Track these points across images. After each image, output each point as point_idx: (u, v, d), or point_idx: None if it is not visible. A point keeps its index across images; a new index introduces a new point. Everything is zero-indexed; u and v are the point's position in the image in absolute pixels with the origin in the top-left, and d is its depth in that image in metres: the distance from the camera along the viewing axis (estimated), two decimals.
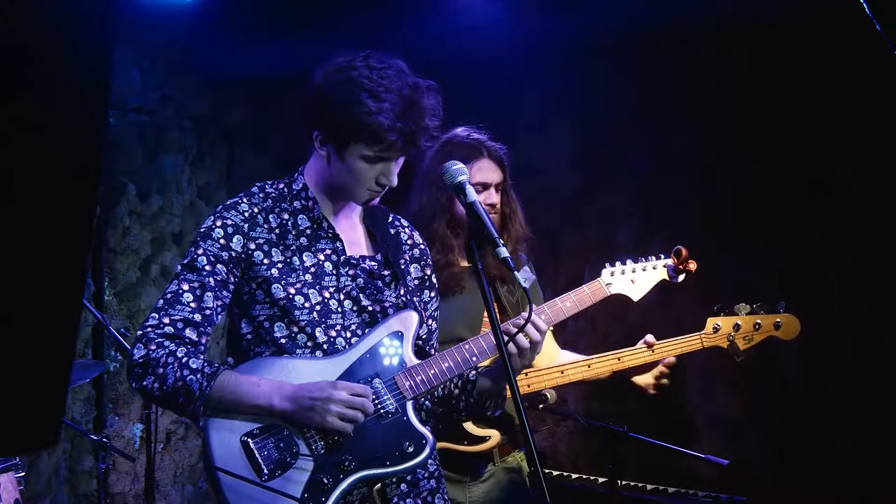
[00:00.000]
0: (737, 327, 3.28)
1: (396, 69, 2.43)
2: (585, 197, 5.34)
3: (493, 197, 3.32)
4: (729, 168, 4.80)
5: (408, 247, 2.69)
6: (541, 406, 3.37)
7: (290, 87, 5.41)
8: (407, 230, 2.73)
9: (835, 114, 4.42)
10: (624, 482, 3.86)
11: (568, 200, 5.39)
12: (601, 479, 4.11)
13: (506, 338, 2.40)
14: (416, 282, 2.66)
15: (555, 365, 3.32)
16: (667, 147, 5.04)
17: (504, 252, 2.27)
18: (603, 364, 3.28)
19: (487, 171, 3.32)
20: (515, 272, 2.26)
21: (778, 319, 3.29)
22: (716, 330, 3.28)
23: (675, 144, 5.00)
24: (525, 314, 2.44)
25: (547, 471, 4.36)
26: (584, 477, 4.26)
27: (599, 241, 5.25)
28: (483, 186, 3.30)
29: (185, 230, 5.43)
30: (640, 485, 4.11)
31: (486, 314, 3.25)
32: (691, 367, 4.81)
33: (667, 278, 3.27)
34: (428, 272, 2.72)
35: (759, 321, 3.28)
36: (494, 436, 3.21)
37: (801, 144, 4.56)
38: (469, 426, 3.18)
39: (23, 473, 3.63)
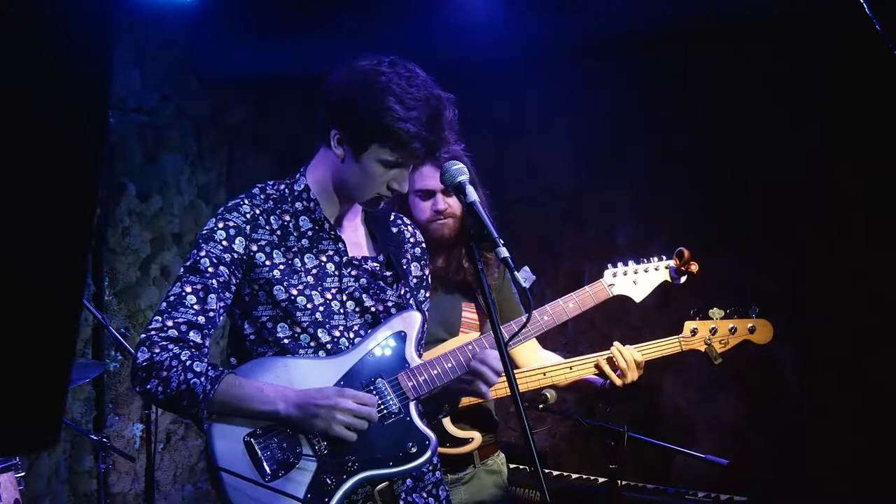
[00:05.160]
0: (713, 331, 3.30)
1: (423, 78, 2.43)
2: (585, 197, 5.35)
3: (440, 203, 3.14)
4: (729, 168, 4.80)
5: (410, 245, 2.69)
6: (541, 406, 3.36)
7: (290, 87, 5.48)
8: (409, 228, 2.73)
9: (835, 114, 4.42)
10: (624, 482, 3.86)
11: (568, 200, 5.39)
12: (601, 479, 4.11)
13: (506, 336, 2.39)
14: (414, 280, 2.67)
15: (536, 367, 3.31)
16: (667, 147, 5.04)
17: (504, 252, 2.26)
18: (584, 367, 3.27)
19: (428, 177, 3.14)
20: (515, 272, 2.26)
21: (752, 324, 3.31)
22: (693, 333, 3.29)
23: (675, 144, 5.00)
24: (520, 320, 2.45)
25: (547, 471, 4.36)
26: (584, 477, 4.26)
27: (599, 241, 5.25)
28: (427, 194, 3.15)
29: (185, 230, 5.43)
30: (640, 485, 4.11)
31: (462, 315, 3.25)
32: (691, 368, 4.81)
33: (669, 280, 3.27)
34: (426, 272, 2.73)
35: (734, 325, 3.31)
36: (476, 438, 3.21)
37: (801, 144, 4.56)
38: (451, 428, 3.17)
39: (23, 473, 3.63)
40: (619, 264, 3.23)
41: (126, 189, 5.15)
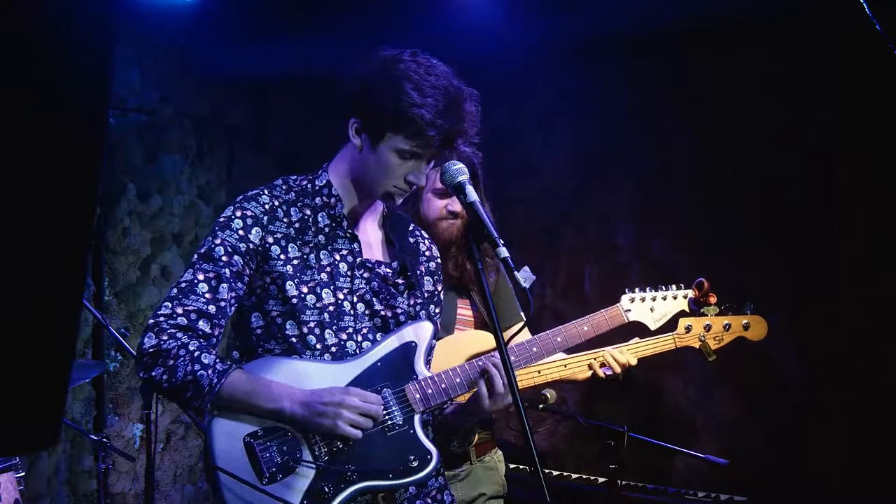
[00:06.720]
0: (708, 328, 3.30)
1: (443, 69, 2.43)
2: (585, 197, 5.35)
3: (456, 204, 3.12)
4: (729, 168, 4.80)
5: (425, 258, 2.66)
6: (541, 406, 3.36)
7: (290, 87, 5.48)
8: (426, 241, 2.71)
9: (834, 114, 4.42)
10: (624, 482, 3.86)
11: (568, 200, 5.39)
12: (601, 479, 4.12)
13: (505, 338, 2.39)
14: (427, 294, 2.64)
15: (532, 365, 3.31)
16: (667, 147, 5.04)
17: (504, 252, 2.26)
18: (579, 364, 3.28)
19: None
20: (516, 272, 2.25)
21: (746, 321, 3.31)
22: (688, 330, 3.29)
23: (675, 144, 5.01)
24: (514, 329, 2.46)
25: (547, 471, 4.37)
26: (584, 477, 4.26)
27: (599, 241, 5.25)
28: (444, 193, 3.14)
29: (185, 230, 5.44)
30: (640, 485, 4.11)
31: (458, 312, 3.25)
32: (691, 367, 4.81)
33: (686, 310, 3.28)
34: (439, 287, 2.69)
35: (728, 322, 3.30)
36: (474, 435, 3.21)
37: (801, 144, 4.56)
38: None
39: (23, 473, 3.63)
40: (637, 290, 3.24)
41: (126, 189, 5.16)
